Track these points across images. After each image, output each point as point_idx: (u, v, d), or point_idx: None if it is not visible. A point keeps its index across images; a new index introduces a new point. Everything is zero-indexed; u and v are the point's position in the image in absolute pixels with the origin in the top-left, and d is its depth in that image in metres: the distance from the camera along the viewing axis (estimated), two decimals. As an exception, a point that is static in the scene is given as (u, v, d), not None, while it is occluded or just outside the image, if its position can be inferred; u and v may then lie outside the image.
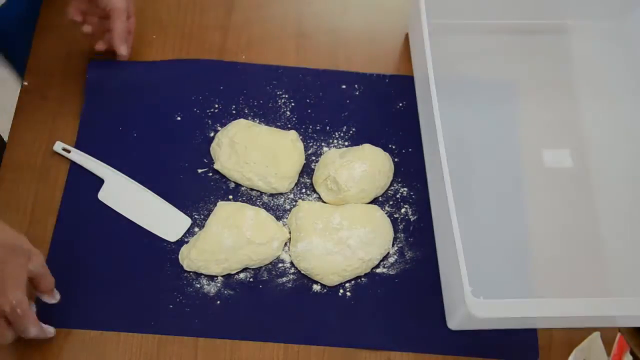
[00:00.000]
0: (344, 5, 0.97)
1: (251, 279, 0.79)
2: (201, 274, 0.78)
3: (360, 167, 0.81)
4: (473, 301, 0.65)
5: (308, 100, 0.88)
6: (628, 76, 0.93)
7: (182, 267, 0.78)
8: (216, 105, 0.87)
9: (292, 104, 0.88)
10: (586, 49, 0.94)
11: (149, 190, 0.82)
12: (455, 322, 0.76)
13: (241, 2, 0.95)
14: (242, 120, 0.85)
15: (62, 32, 0.88)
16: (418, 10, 0.81)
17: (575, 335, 0.73)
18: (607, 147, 0.88)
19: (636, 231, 0.83)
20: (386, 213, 0.82)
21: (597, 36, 0.95)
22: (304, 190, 0.84)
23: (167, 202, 0.81)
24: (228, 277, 0.79)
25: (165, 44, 0.91)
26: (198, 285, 0.78)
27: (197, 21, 0.94)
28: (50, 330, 0.72)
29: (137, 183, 0.82)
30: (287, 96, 0.89)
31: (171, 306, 0.76)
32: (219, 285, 0.78)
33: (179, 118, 0.86)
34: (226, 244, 0.77)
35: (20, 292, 0.64)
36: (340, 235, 0.78)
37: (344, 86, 0.90)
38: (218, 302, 0.77)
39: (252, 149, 0.82)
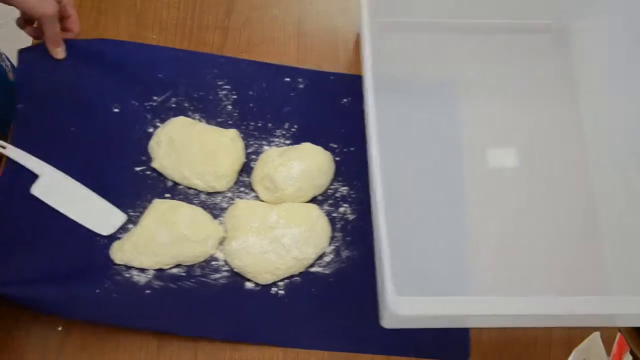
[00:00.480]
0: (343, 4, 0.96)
1: (183, 274, 0.78)
2: (132, 267, 0.78)
3: (298, 166, 0.80)
4: (394, 298, 0.65)
5: (250, 93, 0.87)
6: (573, 76, 0.91)
7: (112, 260, 0.77)
8: (155, 97, 0.85)
9: (234, 97, 0.86)
10: (533, 49, 0.92)
11: (84, 186, 0.80)
12: (385, 320, 0.75)
13: (241, 2, 0.94)
14: (181, 118, 0.84)
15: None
16: (361, 7, 0.78)
17: (575, 335, 0.74)
18: (552, 147, 0.87)
19: (578, 230, 0.83)
20: (325, 212, 0.82)
21: (544, 36, 0.93)
22: (242, 189, 0.83)
23: (102, 198, 0.80)
24: (160, 270, 0.78)
25: (165, 44, 0.91)
26: (128, 275, 0.77)
27: (197, 21, 0.93)
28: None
29: (72, 179, 0.80)
30: (228, 87, 0.87)
31: (98, 290, 0.75)
32: (149, 276, 0.78)
33: (116, 110, 0.84)
34: (160, 239, 0.77)
35: None
36: (275, 234, 0.78)
37: (287, 79, 0.88)
38: (148, 291, 0.76)
39: (191, 148, 0.81)
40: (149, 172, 0.83)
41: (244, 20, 0.93)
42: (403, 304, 0.65)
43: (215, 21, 0.93)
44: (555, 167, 0.86)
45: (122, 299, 0.75)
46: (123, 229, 0.80)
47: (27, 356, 0.74)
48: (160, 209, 0.79)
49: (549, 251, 0.82)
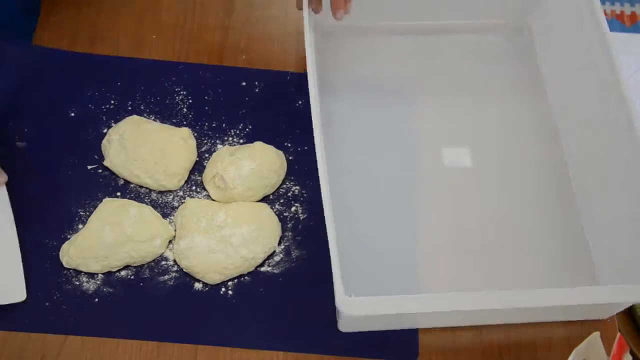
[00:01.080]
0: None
1: (132, 277, 0.77)
2: (81, 272, 0.76)
3: (249, 165, 0.79)
4: (344, 299, 0.63)
5: (206, 97, 0.87)
6: (529, 77, 0.90)
7: (62, 264, 0.76)
8: (112, 102, 0.86)
9: (190, 101, 0.87)
10: (488, 49, 0.92)
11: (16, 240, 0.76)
12: (341, 323, 0.74)
13: (241, 2, 0.95)
14: (134, 117, 0.84)
15: (63, 26, 0.91)
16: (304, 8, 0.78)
17: (575, 335, 0.73)
18: (507, 146, 0.86)
19: (530, 231, 0.81)
20: (276, 211, 0.80)
21: (500, 36, 0.93)
22: (194, 188, 0.82)
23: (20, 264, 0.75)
24: (108, 274, 0.77)
25: (165, 44, 0.91)
26: (77, 283, 0.76)
27: (197, 21, 0.93)
28: None
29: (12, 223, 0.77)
30: (185, 92, 0.87)
31: (47, 303, 0.75)
32: (98, 282, 0.76)
33: (72, 114, 0.85)
34: (106, 240, 0.75)
35: None
36: (223, 233, 0.76)
37: (244, 83, 0.88)
38: (96, 299, 0.76)
39: (141, 146, 0.80)
40: (100, 171, 0.82)
41: (244, 20, 0.94)
42: (354, 305, 0.63)
43: (215, 21, 0.93)
44: (509, 165, 0.85)
45: (70, 310, 0.74)
46: (73, 229, 0.79)
47: (26, 356, 0.73)
48: (108, 208, 0.78)
49: (511, 249, 0.80)
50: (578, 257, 0.80)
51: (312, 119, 0.70)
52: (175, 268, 0.78)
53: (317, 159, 0.69)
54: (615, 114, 0.75)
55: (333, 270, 0.64)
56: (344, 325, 0.74)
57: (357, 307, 0.63)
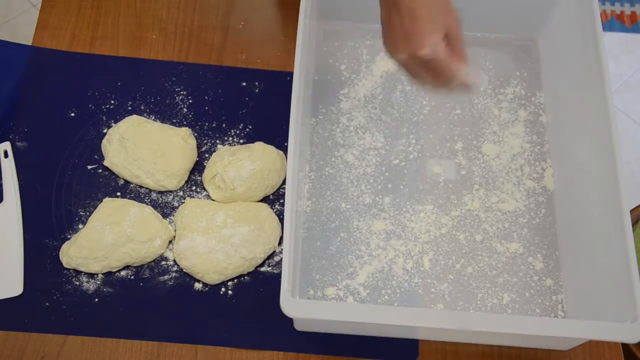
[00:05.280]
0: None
1: (132, 277, 0.77)
2: (81, 272, 0.77)
3: (249, 166, 0.79)
4: (288, 299, 0.63)
5: (206, 97, 0.87)
6: (529, 96, 0.90)
7: (62, 264, 0.77)
8: (112, 102, 0.86)
9: (190, 101, 0.87)
10: (492, 64, 0.91)
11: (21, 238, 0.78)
12: (295, 322, 0.74)
13: (241, 2, 0.95)
14: (134, 117, 0.84)
15: (63, 26, 0.91)
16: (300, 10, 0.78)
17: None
18: (494, 164, 0.85)
19: (510, 258, 0.80)
20: (276, 212, 0.80)
21: (505, 52, 0.92)
22: (194, 188, 0.82)
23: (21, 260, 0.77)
24: (109, 274, 0.77)
25: (165, 44, 0.92)
26: (77, 283, 0.76)
27: (197, 21, 0.94)
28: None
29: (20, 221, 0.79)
30: (185, 93, 0.88)
31: (47, 304, 0.75)
32: (98, 283, 0.76)
33: (72, 114, 0.85)
34: (106, 241, 0.75)
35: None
36: (223, 234, 0.76)
37: (244, 83, 0.88)
38: (96, 299, 0.76)
39: (141, 146, 0.81)
40: (100, 171, 0.82)
41: (244, 20, 0.94)
42: (295, 306, 0.63)
43: (215, 21, 0.94)
44: (495, 183, 0.84)
45: (70, 310, 0.75)
46: (73, 229, 0.79)
47: (26, 356, 0.73)
48: (108, 208, 0.78)
49: (492, 268, 0.79)
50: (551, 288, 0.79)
51: (291, 123, 0.70)
52: (175, 268, 0.78)
53: (290, 157, 0.69)
54: (600, 156, 0.73)
55: (283, 271, 0.64)
56: (297, 324, 0.74)
57: (299, 309, 0.63)
